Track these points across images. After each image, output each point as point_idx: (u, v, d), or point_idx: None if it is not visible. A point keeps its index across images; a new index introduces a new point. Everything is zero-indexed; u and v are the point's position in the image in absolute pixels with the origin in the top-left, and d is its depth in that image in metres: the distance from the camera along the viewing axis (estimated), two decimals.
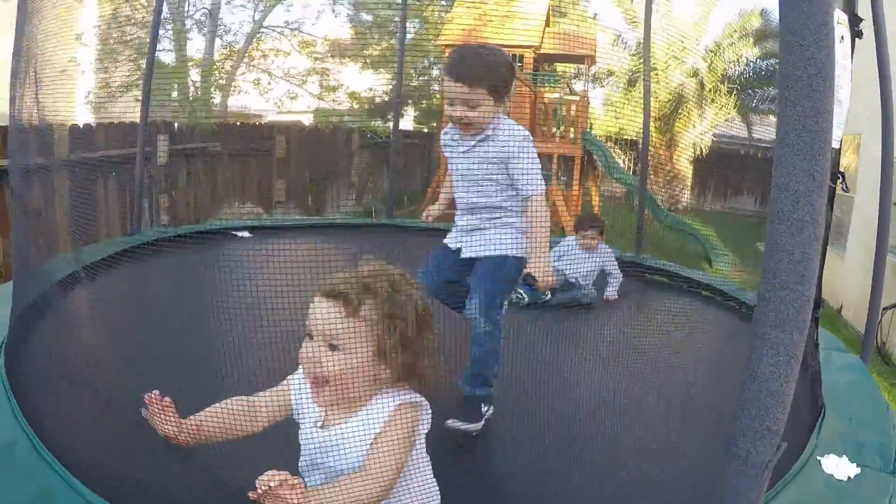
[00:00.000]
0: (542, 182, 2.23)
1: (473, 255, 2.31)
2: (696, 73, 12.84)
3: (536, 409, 2.48)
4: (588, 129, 10.67)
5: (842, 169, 7.40)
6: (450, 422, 2.15)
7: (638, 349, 2.94)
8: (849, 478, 2.01)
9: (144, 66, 4.31)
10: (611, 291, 4.20)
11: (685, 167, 13.64)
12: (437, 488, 1.45)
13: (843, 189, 2.17)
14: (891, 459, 2.14)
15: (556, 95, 10.36)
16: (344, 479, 1.23)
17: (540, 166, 2.24)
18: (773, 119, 14.42)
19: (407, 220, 6.20)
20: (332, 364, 1.23)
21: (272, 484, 1.13)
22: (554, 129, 10.41)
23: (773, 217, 0.79)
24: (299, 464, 1.36)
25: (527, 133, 2.24)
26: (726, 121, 13.45)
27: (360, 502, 1.20)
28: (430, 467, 1.43)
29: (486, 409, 2.25)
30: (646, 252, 5.01)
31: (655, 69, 12.67)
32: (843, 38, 1.91)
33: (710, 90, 12.75)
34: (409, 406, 1.29)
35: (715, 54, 12.83)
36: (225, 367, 2.13)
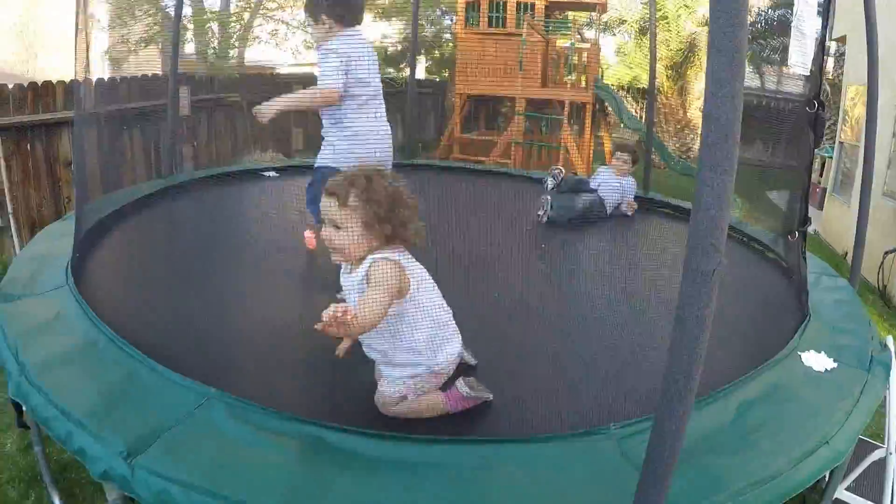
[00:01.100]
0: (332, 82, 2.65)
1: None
2: (707, 23, 12.75)
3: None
4: (599, 77, 10.72)
5: (851, 119, 7.54)
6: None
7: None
8: (826, 370, 2.29)
9: (172, 20, 4.52)
10: (625, 207, 4.61)
11: (696, 116, 13.67)
12: (458, 335, 1.95)
13: (810, 109, 2.41)
14: (867, 360, 2.40)
15: (568, 43, 10.39)
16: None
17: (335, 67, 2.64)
18: (784, 70, 14.34)
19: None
20: (336, 239, 1.80)
21: (338, 314, 1.59)
22: (566, 77, 10.48)
23: (707, 93, 1.13)
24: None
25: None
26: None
27: (360, 327, 1.71)
28: (447, 316, 1.93)
29: None
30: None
31: (666, 18, 12.61)
32: None
33: None
34: (382, 261, 1.77)
35: None
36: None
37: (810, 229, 5.66)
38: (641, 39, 13.72)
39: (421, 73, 12.79)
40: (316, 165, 2.90)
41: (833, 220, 8.38)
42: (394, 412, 1.88)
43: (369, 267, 1.78)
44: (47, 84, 5.30)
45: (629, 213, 4.61)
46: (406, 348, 1.87)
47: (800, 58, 2.25)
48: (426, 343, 1.88)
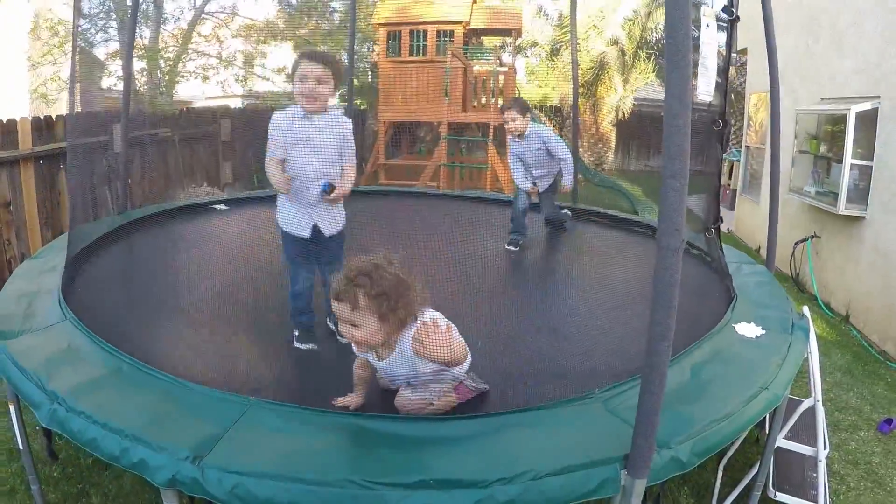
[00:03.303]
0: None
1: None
2: (616, 41, 13.60)
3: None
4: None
5: (756, 124, 8.27)
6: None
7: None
8: (756, 336, 2.72)
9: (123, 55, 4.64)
10: (567, 179, 4.56)
11: (608, 130, 14.49)
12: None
13: (716, 127, 2.89)
14: (788, 326, 2.86)
15: (488, 68, 10.91)
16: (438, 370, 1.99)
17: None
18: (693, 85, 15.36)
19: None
20: (357, 335, 1.97)
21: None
22: (487, 100, 10.98)
23: (666, 116, 1.49)
24: (377, 375, 2.23)
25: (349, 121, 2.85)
26: (646, 84, 14.29)
27: (456, 359, 1.95)
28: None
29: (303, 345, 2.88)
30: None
31: (577, 39, 13.39)
32: (708, 25, 2.65)
33: (630, 56, 13.55)
34: (411, 338, 1.95)
35: (633, 22, 13.59)
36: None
37: (724, 227, 6.25)
38: (553, 60, 14.47)
39: (336, 102, 12.94)
40: (339, 231, 2.94)
41: (744, 218, 9.11)
42: (413, 413, 2.16)
43: (410, 341, 1.95)
44: None
45: (567, 156, 4.51)
46: (432, 376, 2.10)
47: (705, 87, 2.74)
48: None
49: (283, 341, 2.80)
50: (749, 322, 2.83)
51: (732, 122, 11.02)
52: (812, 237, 6.53)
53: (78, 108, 3.17)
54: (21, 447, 2.57)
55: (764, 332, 2.76)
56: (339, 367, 2.35)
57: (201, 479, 1.69)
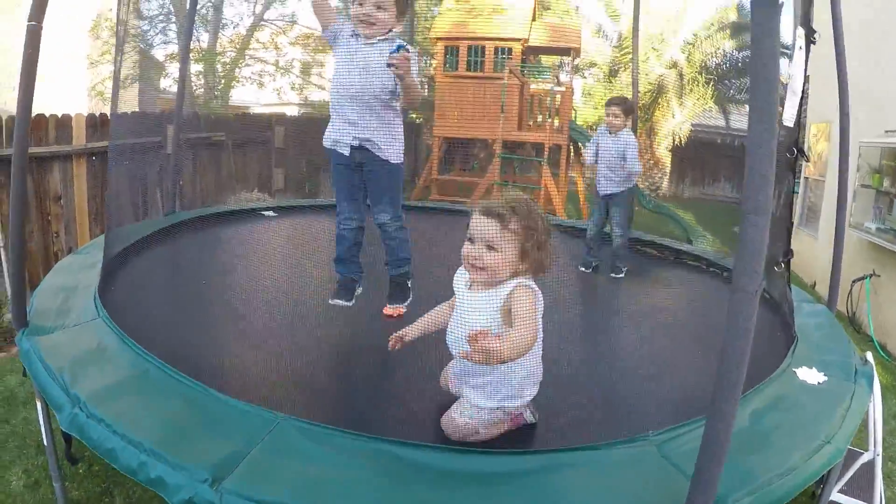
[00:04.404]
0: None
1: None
2: (675, 65, 13.35)
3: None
4: (573, 119, 11.12)
5: (816, 154, 7.93)
6: (389, 306, 2.89)
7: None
8: (818, 382, 2.52)
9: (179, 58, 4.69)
10: (632, 175, 4.53)
11: (664, 155, 14.19)
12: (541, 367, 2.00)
13: (804, 160, 2.70)
14: (852, 373, 2.66)
15: (547, 86, 10.79)
16: (505, 334, 1.77)
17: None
18: (748, 108, 14.98)
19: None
20: (489, 259, 1.84)
21: (485, 342, 1.65)
22: (546, 119, 10.84)
23: (749, 144, 1.32)
24: (449, 324, 2.01)
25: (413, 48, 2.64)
26: (704, 110, 13.99)
27: (518, 348, 1.76)
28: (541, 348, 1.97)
29: (409, 282, 2.98)
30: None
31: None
32: (801, 47, 2.48)
33: (689, 81, 13.26)
34: (525, 288, 1.84)
35: (693, 46, 13.32)
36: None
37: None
38: (611, 81, 14.27)
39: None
40: (385, 158, 2.75)
41: (801, 252, 8.74)
42: (459, 438, 1.95)
43: (512, 292, 1.83)
44: (39, 117, 5.24)
45: (638, 169, 4.56)
46: (505, 380, 1.93)
47: (790, 112, 2.57)
48: (525, 377, 1.95)
49: (319, 355, 2.68)
50: (811, 367, 2.62)
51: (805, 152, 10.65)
52: (871, 275, 6.19)
53: (123, 109, 3.19)
54: (46, 443, 2.54)
55: (826, 378, 2.56)
56: (380, 384, 2.24)
57: None
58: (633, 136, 4.66)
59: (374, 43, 2.66)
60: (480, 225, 1.85)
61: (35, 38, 2.31)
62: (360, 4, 2.61)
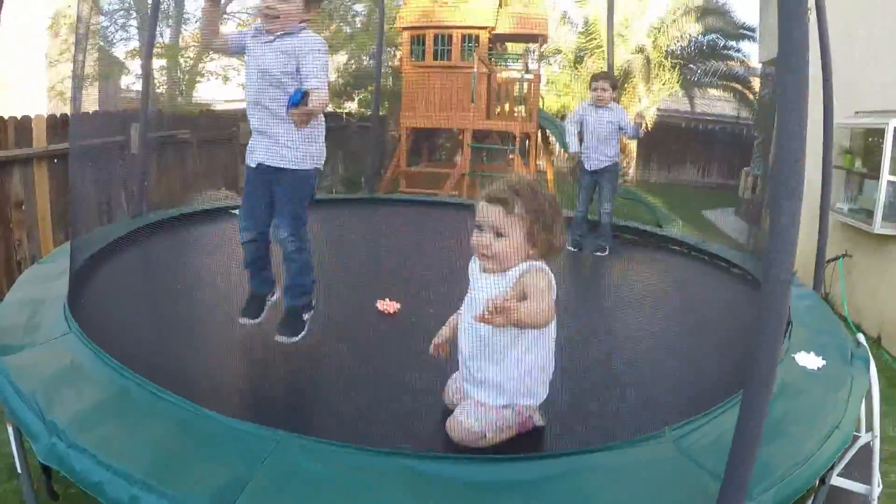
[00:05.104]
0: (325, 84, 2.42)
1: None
2: (641, 50, 13.36)
3: None
4: (541, 108, 11.09)
5: None
6: (277, 337, 2.55)
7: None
8: (818, 368, 2.50)
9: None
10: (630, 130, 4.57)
11: (632, 141, 14.21)
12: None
13: None
14: (847, 356, 2.66)
15: (515, 74, 10.73)
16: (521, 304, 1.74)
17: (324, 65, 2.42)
18: (713, 93, 15.13)
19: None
20: (496, 245, 1.82)
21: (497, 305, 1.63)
22: (515, 108, 10.78)
23: (778, 126, 1.30)
24: (464, 301, 1.97)
25: (321, 40, 2.45)
26: (670, 95, 14.04)
27: (533, 316, 1.73)
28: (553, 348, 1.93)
29: (306, 315, 2.64)
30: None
31: (601, 47, 13.17)
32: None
33: (655, 66, 13.28)
34: (538, 270, 1.82)
35: (659, 31, 13.34)
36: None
37: (750, 243, 6.02)
38: (576, 68, 14.25)
39: (356, 107, 12.60)
40: (286, 167, 2.51)
41: None
42: (467, 444, 1.86)
43: (523, 274, 1.81)
44: None
45: (640, 135, 4.71)
46: (515, 374, 1.86)
47: None
48: (537, 372, 1.89)
49: (318, 363, 2.54)
50: (808, 352, 2.60)
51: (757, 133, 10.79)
52: (843, 256, 6.25)
53: (85, 108, 3.00)
54: (20, 471, 2.38)
55: (825, 363, 2.54)
56: (387, 394, 2.12)
57: None
58: (619, 107, 4.71)
59: (271, 41, 2.43)
60: (486, 212, 1.83)
61: None
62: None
